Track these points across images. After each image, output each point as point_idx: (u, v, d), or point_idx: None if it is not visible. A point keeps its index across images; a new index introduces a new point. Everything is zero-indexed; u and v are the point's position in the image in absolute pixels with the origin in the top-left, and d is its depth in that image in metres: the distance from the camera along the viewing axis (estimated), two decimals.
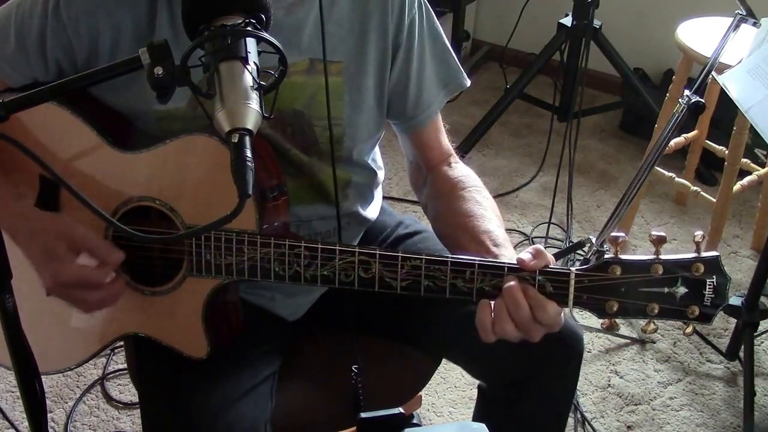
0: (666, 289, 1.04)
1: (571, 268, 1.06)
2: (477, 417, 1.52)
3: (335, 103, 1.21)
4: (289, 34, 1.17)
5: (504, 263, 1.07)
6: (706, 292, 1.04)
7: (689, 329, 1.07)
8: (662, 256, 1.04)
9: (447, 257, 1.08)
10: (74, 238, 1.10)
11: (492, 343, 1.29)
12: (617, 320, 1.07)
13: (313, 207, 1.29)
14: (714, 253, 1.04)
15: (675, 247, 2.54)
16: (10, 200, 1.15)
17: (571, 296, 1.06)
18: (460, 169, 1.37)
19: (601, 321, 1.07)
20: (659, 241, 1.04)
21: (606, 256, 1.06)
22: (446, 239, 1.31)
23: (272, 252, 1.10)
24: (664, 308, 1.05)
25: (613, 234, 1.06)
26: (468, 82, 1.38)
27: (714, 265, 1.04)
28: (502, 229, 1.24)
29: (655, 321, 1.07)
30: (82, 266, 1.10)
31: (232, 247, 1.12)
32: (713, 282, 1.04)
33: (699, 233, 1.04)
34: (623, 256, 1.05)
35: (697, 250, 1.04)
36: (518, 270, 1.06)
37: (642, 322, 1.08)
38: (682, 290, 1.04)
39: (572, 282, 1.05)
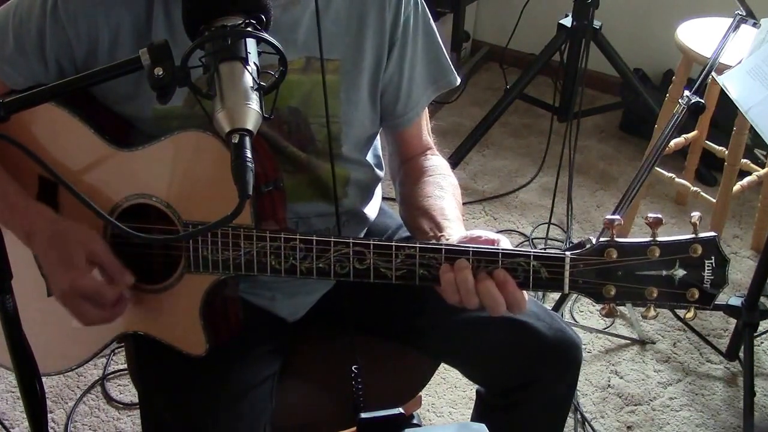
0: (664, 272, 1.03)
1: (566, 253, 1.05)
2: (475, 421, 1.52)
3: (331, 101, 1.22)
4: (285, 32, 1.17)
5: (498, 249, 1.06)
6: (705, 274, 1.03)
7: (690, 314, 1.05)
8: (659, 238, 1.02)
9: (441, 245, 1.08)
10: (94, 251, 1.11)
11: (486, 345, 1.30)
12: (617, 306, 1.06)
13: (312, 204, 1.30)
14: (711, 234, 1.02)
15: None
16: (33, 203, 1.15)
17: (567, 281, 1.05)
18: (433, 160, 1.38)
19: (599, 306, 1.06)
20: (656, 224, 1.02)
21: (602, 239, 1.04)
22: (406, 221, 1.33)
23: (268, 246, 1.11)
24: (662, 292, 1.03)
25: (608, 217, 1.04)
26: (458, 81, 1.38)
27: (712, 246, 1.02)
28: (456, 209, 1.25)
29: (656, 308, 1.05)
30: (97, 280, 1.11)
31: (229, 242, 1.12)
32: (712, 263, 1.02)
33: (696, 214, 1.02)
34: (619, 239, 1.03)
35: (695, 231, 1.02)
36: (512, 255, 1.06)
37: (643, 308, 1.06)
38: (680, 273, 1.03)
39: (567, 266, 1.05)
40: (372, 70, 1.27)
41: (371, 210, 1.43)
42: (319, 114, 1.23)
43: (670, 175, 2.52)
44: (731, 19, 1.84)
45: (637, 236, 1.04)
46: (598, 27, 2.77)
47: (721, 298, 1.05)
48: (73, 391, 2.10)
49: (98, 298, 1.12)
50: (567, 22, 2.77)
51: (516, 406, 1.36)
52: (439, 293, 1.10)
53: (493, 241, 1.09)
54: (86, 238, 1.11)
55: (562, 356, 1.32)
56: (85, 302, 1.11)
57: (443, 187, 1.30)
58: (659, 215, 1.02)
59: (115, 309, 1.15)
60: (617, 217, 1.04)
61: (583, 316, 2.39)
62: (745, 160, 2.48)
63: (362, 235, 1.42)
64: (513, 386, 1.34)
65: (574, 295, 2.34)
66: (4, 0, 1.22)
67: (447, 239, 1.15)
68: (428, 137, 1.42)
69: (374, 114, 1.32)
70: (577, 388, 2.03)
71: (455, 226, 1.19)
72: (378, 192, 1.46)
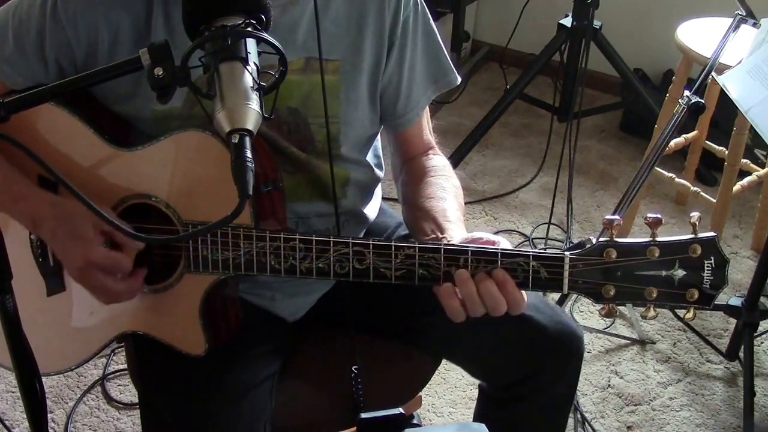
0: (664, 273, 1.03)
1: (566, 253, 1.05)
2: (477, 417, 1.52)
3: (331, 101, 1.22)
4: (284, 33, 1.17)
5: (497, 249, 1.07)
6: (705, 274, 1.03)
7: (690, 314, 1.05)
8: (658, 239, 1.02)
9: (440, 245, 1.08)
10: (100, 221, 1.10)
11: (488, 339, 1.29)
12: (616, 306, 1.06)
13: (311, 204, 1.30)
14: (711, 234, 1.02)
15: None
16: (35, 189, 1.15)
17: (566, 281, 1.05)
18: (436, 160, 1.38)
19: (599, 307, 1.06)
20: (655, 224, 1.02)
21: (601, 239, 1.04)
22: (408, 221, 1.33)
23: (268, 246, 1.11)
24: (662, 292, 1.03)
25: (608, 217, 1.04)
26: (458, 80, 1.38)
27: (711, 246, 1.02)
28: (458, 210, 1.26)
29: (655, 308, 1.05)
30: (109, 250, 1.11)
31: (228, 242, 1.12)
32: (711, 263, 1.03)
33: (695, 214, 1.03)
34: (619, 240, 1.03)
35: (694, 232, 1.03)
36: (512, 255, 1.06)
37: (642, 308, 1.06)
38: (680, 273, 1.03)
39: (567, 266, 1.05)
40: (371, 71, 1.27)
41: (371, 210, 1.43)
42: (319, 114, 1.23)
43: (670, 175, 2.52)
44: (731, 19, 1.84)
45: (637, 236, 1.04)
46: (598, 27, 2.77)
47: (721, 298, 1.05)
48: (73, 391, 2.10)
49: (114, 267, 1.12)
50: (567, 22, 2.77)
51: (519, 400, 1.36)
52: (439, 299, 1.10)
53: (493, 244, 1.09)
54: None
55: (564, 348, 1.32)
56: (102, 275, 1.11)
57: (445, 188, 1.30)
58: (659, 215, 1.02)
59: (131, 281, 1.14)
60: (617, 217, 1.04)
61: (583, 316, 2.39)
62: (745, 160, 2.48)
63: (362, 235, 1.42)
64: (515, 380, 1.35)
65: (574, 295, 2.34)
66: (4, 0, 1.22)
67: (448, 241, 1.15)
68: (430, 137, 1.42)
69: (374, 114, 1.32)
70: (577, 388, 2.03)
71: (456, 228, 1.20)
72: (378, 192, 1.46)
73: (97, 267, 1.11)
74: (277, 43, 0.91)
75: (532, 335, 1.29)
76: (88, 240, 1.10)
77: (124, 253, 1.13)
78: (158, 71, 0.89)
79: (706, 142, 2.66)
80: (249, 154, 0.85)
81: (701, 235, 1.02)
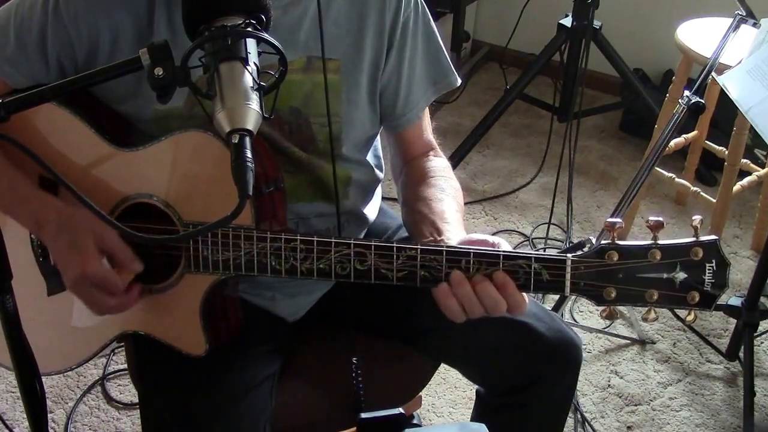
0: (665, 275, 1.03)
1: (567, 255, 1.05)
2: (474, 421, 1.52)
3: (332, 100, 1.22)
4: (285, 33, 1.18)
5: (499, 251, 1.07)
6: (706, 277, 1.03)
7: (690, 317, 1.05)
8: (660, 241, 1.03)
9: (442, 247, 1.08)
10: (103, 237, 1.11)
11: (487, 345, 1.29)
12: (617, 308, 1.06)
13: (312, 204, 1.30)
14: (712, 237, 1.02)
15: None
16: (41, 193, 1.15)
17: (568, 283, 1.05)
18: (436, 162, 1.38)
19: (600, 308, 1.06)
20: (657, 227, 1.02)
21: (603, 241, 1.05)
22: (407, 223, 1.33)
23: (268, 246, 1.11)
24: (663, 294, 1.04)
25: (609, 220, 1.04)
26: (458, 81, 1.38)
27: (713, 249, 1.02)
28: (457, 212, 1.25)
29: (656, 309, 1.05)
30: (106, 266, 1.11)
31: (229, 242, 1.12)
32: (713, 266, 1.03)
33: (697, 218, 1.03)
34: (620, 242, 1.04)
35: (696, 235, 1.03)
36: (513, 258, 1.06)
37: (643, 310, 1.06)
38: (681, 276, 1.03)
39: (568, 269, 1.05)
40: (371, 70, 1.27)
41: (371, 210, 1.43)
42: (320, 114, 1.23)
43: (670, 175, 2.52)
44: (731, 19, 1.84)
45: (637, 236, 1.05)
46: (598, 27, 2.77)
47: (721, 298, 1.05)
48: (73, 391, 2.10)
49: (108, 285, 1.11)
50: (567, 22, 2.77)
51: (516, 407, 1.36)
52: (436, 300, 1.10)
53: (492, 245, 1.09)
54: (95, 225, 1.11)
55: (562, 357, 1.32)
56: (96, 290, 1.11)
57: (444, 190, 1.30)
58: (660, 218, 1.02)
59: (126, 296, 1.14)
60: (618, 220, 1.04)
61: (583, 316, 2.39)
62: (745, 160, 2.48)
63: (362, 235, 1.42)
64: (513, 387, 1.34)
65: (574, 296, 2.34)
66: (5, 0, 1.22)
67: (446, 243, 1.15)
68: (430, 138, 1.42)
69: (374, 114, 1.32)
70: (577, 388, 2.03)
71: (454, 229, 1.19)
72: (378, 192, 1.46)
73: (91, 281, 1.11)
74: (276, 43, 0.91)
75: (530, 343, 1.29)
76: (86, 253, 1.10)
77: (120, 273, 1.12)
78: (158, 71, 0.89)
79: (706, 142, 2.66)
80: (249, 154, 0.85)
81: (703, 238, 1.02)
